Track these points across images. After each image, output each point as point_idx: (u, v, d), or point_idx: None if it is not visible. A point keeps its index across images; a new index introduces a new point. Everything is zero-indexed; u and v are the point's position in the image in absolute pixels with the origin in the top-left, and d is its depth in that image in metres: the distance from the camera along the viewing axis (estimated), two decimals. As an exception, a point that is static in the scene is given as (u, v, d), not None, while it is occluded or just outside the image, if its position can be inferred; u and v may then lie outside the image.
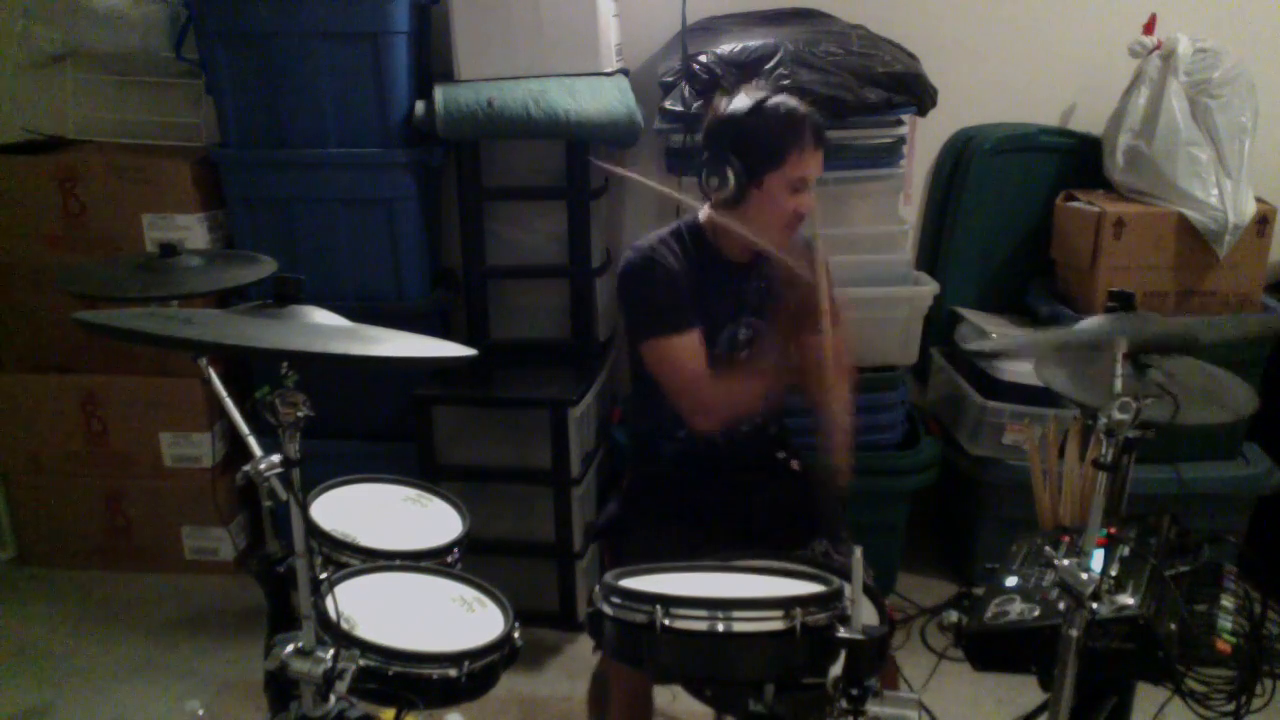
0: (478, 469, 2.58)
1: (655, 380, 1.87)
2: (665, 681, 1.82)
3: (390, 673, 1.34)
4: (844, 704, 1.23)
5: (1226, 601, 1.45)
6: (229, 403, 1.61)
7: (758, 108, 1.81)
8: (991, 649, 1.42)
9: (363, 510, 1.74)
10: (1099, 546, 1.34)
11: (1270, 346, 2.58)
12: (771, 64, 2.43)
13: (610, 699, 1.86)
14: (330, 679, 1.29)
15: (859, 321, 2.16)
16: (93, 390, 2.80)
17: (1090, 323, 1.44)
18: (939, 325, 2.86)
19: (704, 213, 1.93)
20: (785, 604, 1.22)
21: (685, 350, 1.82)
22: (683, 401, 1.85)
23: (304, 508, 1.30)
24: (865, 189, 2.57)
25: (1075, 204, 2.66)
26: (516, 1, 2.50)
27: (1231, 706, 1.34)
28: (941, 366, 2.87)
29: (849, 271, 2.14)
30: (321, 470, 1.71)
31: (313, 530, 1.58)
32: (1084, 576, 1.25)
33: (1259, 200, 2.55)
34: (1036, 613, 1.39)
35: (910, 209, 2.89)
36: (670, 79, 2.53)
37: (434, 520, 1.75)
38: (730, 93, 1.89)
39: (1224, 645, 1.38)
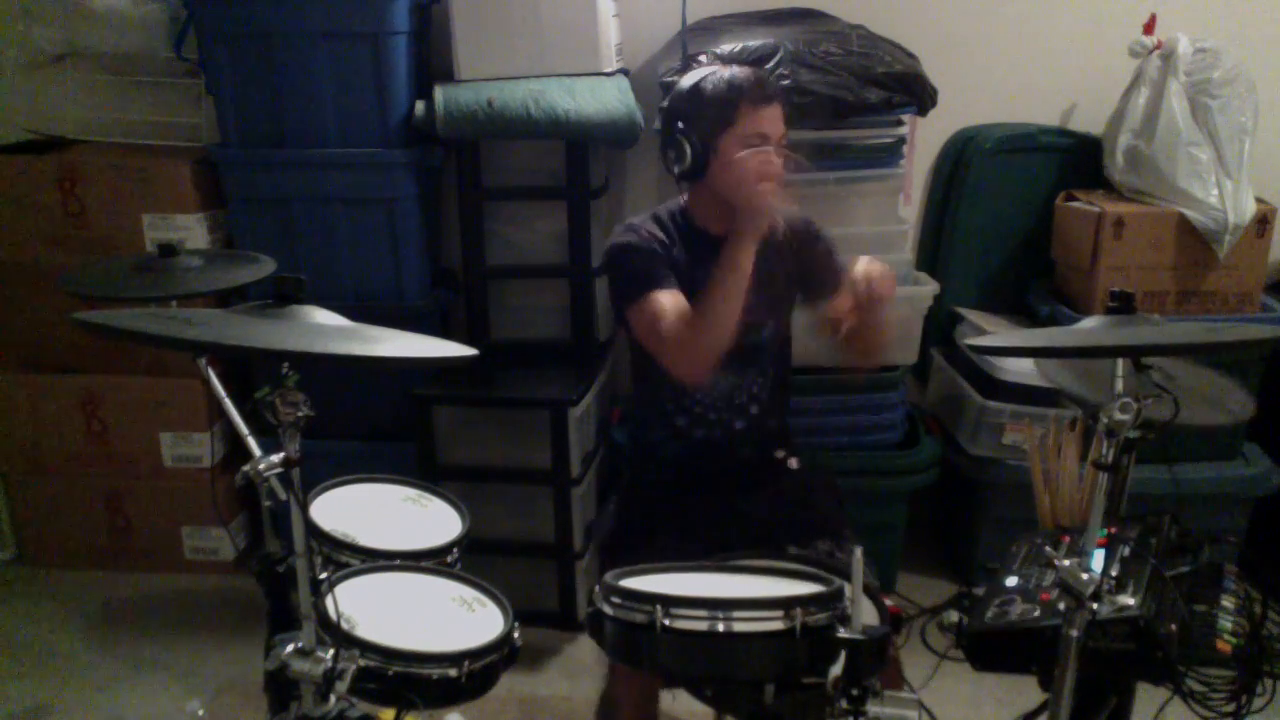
0: (478, 469, 2.58)
1: (644, 348, 1.86)
2: (666, 683, 1.82)
3: (390, 673, 1.34)
4: (844, 704, 1.23)
5: (1227, 602, 1.45)
6: (228, 403, 1.61)
7: (703, 77, 1.84)
8: (992, 649, 1.41)
9: (363, 510, 1.74)
10: (1099, 546, 1.34)
11: (1270, 347, 2.58)
12: (771, 64, 2.43)
13: (619, 710, 1.85)
14: (330, 679, 1.29)
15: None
16: (93, 390, 2.80)
17: (1091, 324, 1.44)
18: (939, 325, 2.86)
19: (684, 195, 1.96)
20: (785, 604, 1.23)
21: (665, 301, 1.81)
22: (669, 356, 1.81)
23: (304, 508, 1.30)
24: (865, 189, 2.57)
25: (1075, 204, 2.66)
26: (516, 1, 2.50)
27: (1232, 707, 1.34)
28: (941, 366, 2.87)
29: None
30: (321, 470, 1.71)
31: (313, 530, 1.58)
32: (1084, 576, 1.25)
33: (1259, 200, 2.55)
34: (1036, 613, 1.39)
35: (910, 209, 2.88)
36: (670, 79, 2.53)
37: (434, 520, 1.75)
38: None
39: (1224, 645, 1.38)
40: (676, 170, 1.86)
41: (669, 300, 1.81)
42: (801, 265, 2.00)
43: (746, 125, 1.80)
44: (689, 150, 1.82)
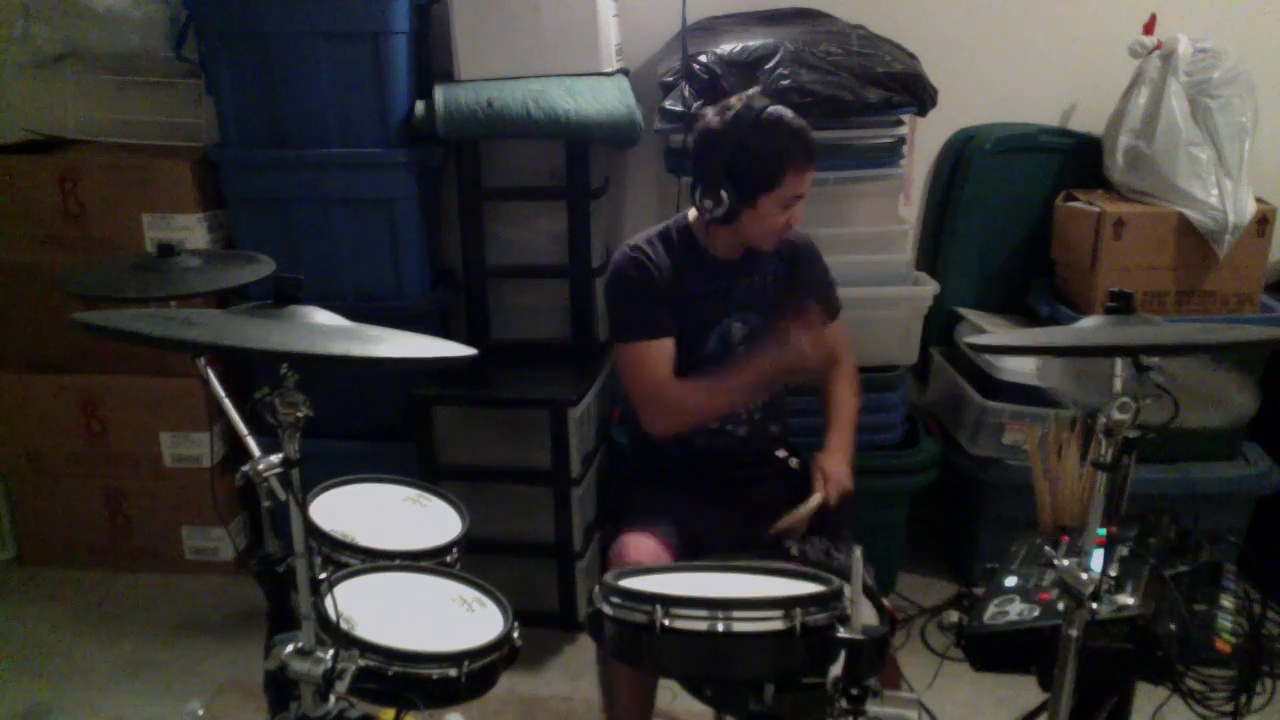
0: (478, 469, 2.58)
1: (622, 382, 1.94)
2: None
3: (390, 673, 1.34)
4: (844, 704, 1.23)
5: (1226, 601, 1.45)
6: (227, 403, 1.61)
7: (754, 127, 1.79)
8: (991, 649, 1.42)
9: (362, 510, 1.74)
10: (1099, 546, 1.34)
11: (1270, 347, 2.58)
12: (771, 64, 2.43)
13: (615, 687, 1.86)
14: (330, 679, 1.29)
15: (859, 321, 2.17)
16: (93, 390, 2.80)
17: (1091, 324, 1.44)
18: (939, 325, 2.86)
19: (693, 212, 1.95)
20: (785, 604, 1.23)
21: (652, 355, 1.87)
22: (642, 406, 1.91)
23: (304, 508, 1.30)
24: (865, 189, 2.57)
25: (1075, 204, 2.66)
26: (516, 1, 2.50)
27: (1231, 706, 1.34)
28: (941, 366, 2.87)
29: (849, 271, 2.14)
30: (321, 470, 1.71)
31: (312, 530, 1.58)
32: (1084, 576, 1.25)
33: (1259, 200, 2.55)
34: (1036, 613, 1.39)
35: (910, 209, 2.89)
36: (670, 79, 2.53)
37: (433, 520, 1.75)
38: (723, 100, 1.89)
39: (1223, 645, 1.38)
40: (708, 217, 1.86)
41: (657, 355, 1.87)
42: (798, 283, 2.01)
43: (790, 189, 1.82)
44: (726, 199, 1.81)
